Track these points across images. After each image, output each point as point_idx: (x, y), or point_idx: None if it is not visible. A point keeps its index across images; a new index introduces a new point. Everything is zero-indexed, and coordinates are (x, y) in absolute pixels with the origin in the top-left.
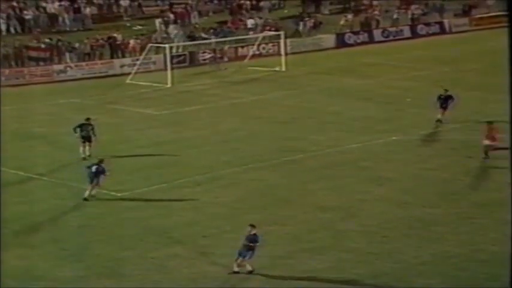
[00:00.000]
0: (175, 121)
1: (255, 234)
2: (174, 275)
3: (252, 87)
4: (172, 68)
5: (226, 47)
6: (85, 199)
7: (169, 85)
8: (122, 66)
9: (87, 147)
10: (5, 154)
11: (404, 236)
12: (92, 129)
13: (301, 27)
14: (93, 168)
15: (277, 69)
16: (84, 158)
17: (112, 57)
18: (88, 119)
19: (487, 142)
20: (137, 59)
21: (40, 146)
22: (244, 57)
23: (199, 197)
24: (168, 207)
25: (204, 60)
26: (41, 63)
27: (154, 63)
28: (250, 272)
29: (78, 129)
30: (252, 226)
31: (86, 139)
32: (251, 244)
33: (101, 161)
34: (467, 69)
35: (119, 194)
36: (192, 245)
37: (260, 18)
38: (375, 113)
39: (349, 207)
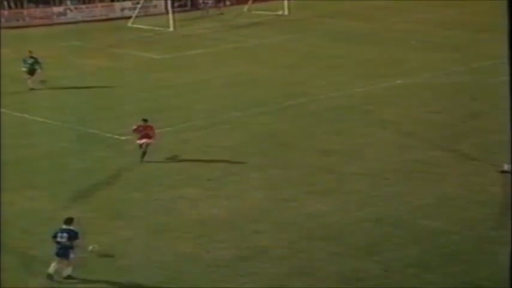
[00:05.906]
0: (178, 65)
1: (70, 230)
2: (181, 216)
3: (255, 31)
4: (173, 12)
5: None
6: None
7: (171, 29)
8: (122, 9)
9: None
10: (8, 97)
11: (407, 179)
12: (35, 62)
13: None
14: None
15: (280, 13)
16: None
17: (112, 0)
18: (30, 51)
19: (144, 141)
20: (138, 2)
21: (42, 90)
22: (246, 1)
23: (202, 141)
24: (171, 151)
25: (205, 4)
26: (41, 5)
27: (155, 6)
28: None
29: (22, 64)
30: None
31: (30, 72)
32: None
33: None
34: (473, 11)
35: (122, 138)
36: (197, 187)
37: None
38: (379, 56)
39: (352, 151)
